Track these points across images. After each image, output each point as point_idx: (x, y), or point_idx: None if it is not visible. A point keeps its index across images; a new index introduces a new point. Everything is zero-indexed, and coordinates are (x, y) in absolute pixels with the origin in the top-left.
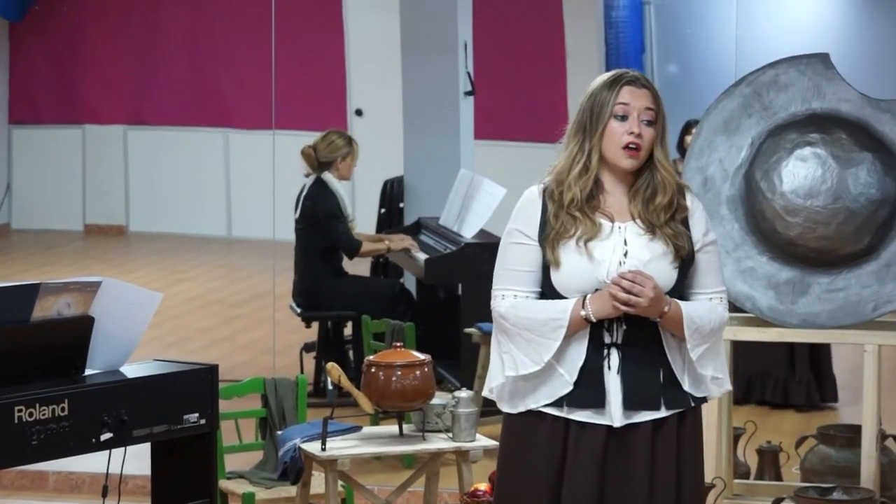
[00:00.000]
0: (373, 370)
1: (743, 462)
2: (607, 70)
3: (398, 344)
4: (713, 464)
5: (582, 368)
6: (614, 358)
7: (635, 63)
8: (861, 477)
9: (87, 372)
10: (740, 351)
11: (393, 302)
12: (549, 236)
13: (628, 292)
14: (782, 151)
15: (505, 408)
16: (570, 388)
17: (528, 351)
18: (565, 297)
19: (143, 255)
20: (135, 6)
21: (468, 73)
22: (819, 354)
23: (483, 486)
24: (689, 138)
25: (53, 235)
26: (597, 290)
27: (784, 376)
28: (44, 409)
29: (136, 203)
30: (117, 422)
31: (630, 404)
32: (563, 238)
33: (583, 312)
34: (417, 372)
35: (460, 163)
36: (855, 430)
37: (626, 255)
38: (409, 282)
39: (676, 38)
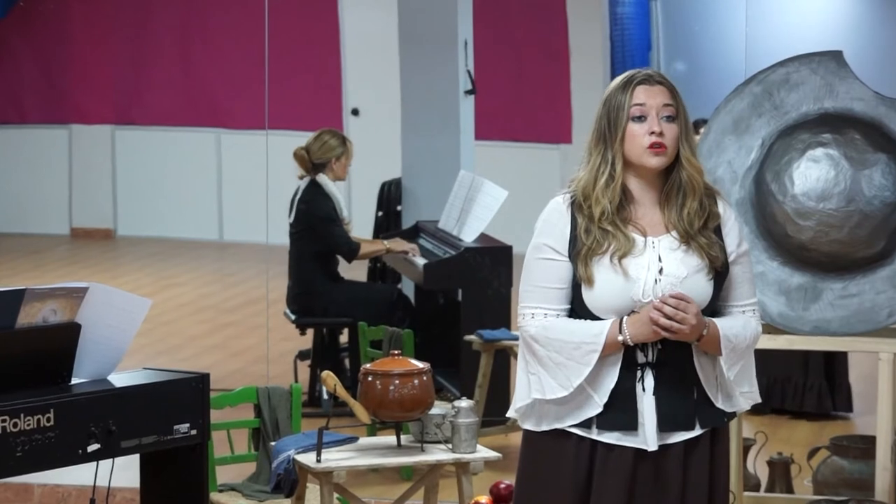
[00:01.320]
0: (370, 379)
1: (753, 474)
2: (612, 68)
3: (396, 352)
4: None
5: (614, 390)
6: (649, 379)
7: (641, 61)
8: (875, 489)
9: (74, 381)
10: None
11: (390, 308)
12: (580, 252)
13: (670, 317)
14: (794, 152)
15: (528, 426)
16: (600, 409)
17: (557, 374)
18: (597, 316)
19: (132, 259)
20: (124, 1)
21: (468, 71)
22: (834, 361)
23: (484, 500)
24: (697, 139)
25: (39, 239)
26: (633, 311)
27: (801, 382)
28: (28, 420)
29: (125, 206)
30: (105, 432)
31: (666, 426)
32: (595, 254)
33: (620, 337)
34: (416, 381)
35: (460, 164)
36: (869, 441)
37: (661, 271)
38: (408, 287)
39: (684, 34)
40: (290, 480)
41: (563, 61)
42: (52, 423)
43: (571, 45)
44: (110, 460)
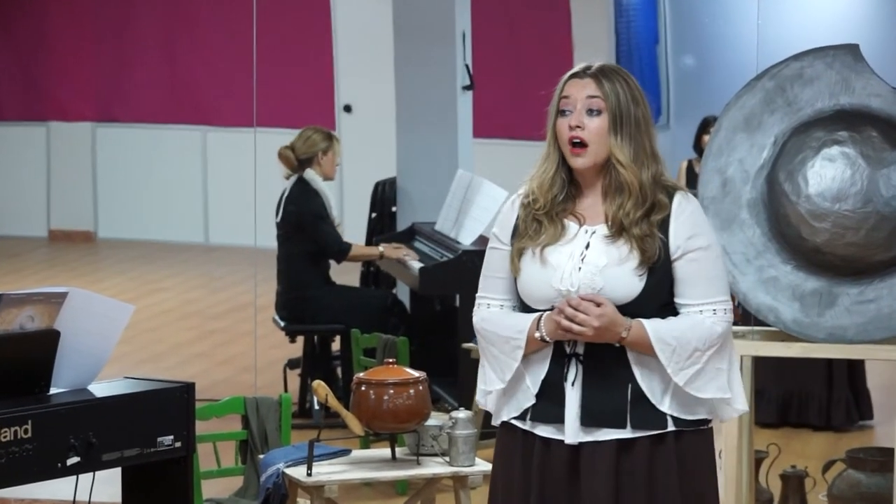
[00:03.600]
0: (363, 389)
1: (765, 488)
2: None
3: (390, 360)
4: (733, 490)
5: (545, 381)
6: (573, 372)
7: (648, 55)
8: None
9: (53, 391)
10: (775, 369)
11: (385, 314)
12: (514, 243)
13: (571, 318)
14: (808, 151)
15: (493, 419)
16: (534, 400)
17: (495, 367)
18: (530, 307)
19: (114, 263)
20: None
21: (466, 66)
22: (856, 370)
23: None
24: (707, 137)
25: (15, 242)
26: (554, 306)
27: (826, 396)
28: (5, 431)
29: (106, 207)
30: (85, 445)
31: (588, 420)
32: (527, 245)
33: (537, 334)
34: (411, 390)
35: (458, 163)
36: (887, 454)
37: (583, 260)
38: (403, 292)
39: (693, 27)
40: (280, 495)
41: (565, 55)
42: (29, 434)
43: (575, 39)
44: (91, 474)
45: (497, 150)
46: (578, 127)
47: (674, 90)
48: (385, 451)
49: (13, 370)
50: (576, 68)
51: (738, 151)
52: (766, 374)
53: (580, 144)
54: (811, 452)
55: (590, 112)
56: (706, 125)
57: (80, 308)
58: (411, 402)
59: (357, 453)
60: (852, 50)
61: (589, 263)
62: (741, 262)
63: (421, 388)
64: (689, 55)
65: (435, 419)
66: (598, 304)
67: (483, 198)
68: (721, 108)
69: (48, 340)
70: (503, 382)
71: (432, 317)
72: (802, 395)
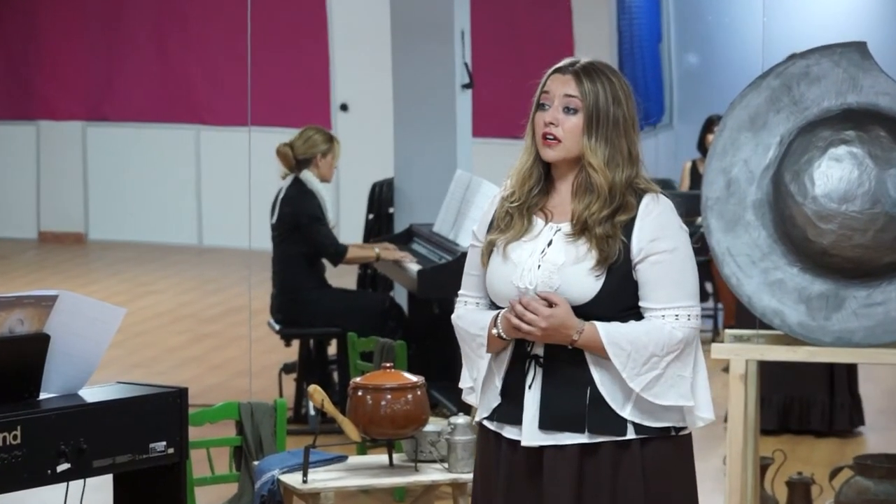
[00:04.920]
0: (360, 393)
1: (771, 496)
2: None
3: (388, 364)
4: (738, 498)
5: (505, 381)
6: (532, 373)
7: (651, 53)
8: None
9: (42, 396)
10: (776, 374)
11: (382, 318)
12: (487, 236)
13: (521, 318)
14: (814, 150)
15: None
16: (500, 400)
17: (469, 365)
18: (495, 302)
19: (105, 265)
20: None
21: (466, 64)
22: (852, 374)
23: None
24: (711, 136)
25: (4, 244)
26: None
27: (828, 401)
28: None
29: (97, 208)
30: (76, 451)
31: (546, 423)
32: (497, 238)
33: (494, 331)
34: (409, 395)
35: (457, 163)
36: (895, 460)
37: (543, 257)
38: (400, 295)
39: (697, 25)
40: (275, 502)
41: (566, 53)
42: (18, 441)
43: (576, 36)
44: (81, 481)
45: (497, 149)
46: (552, 124)
47: (677, 89)
48: (382, 458)
49: (2, 375)
50: (561, 63)
51: (743, 151)
52: (767, 379)
53: (553, 139)
54: (817, 459)
55: (566, 110)
56: (710, 124)
57: (71, 311)
58: (409, 407)
59: (354, 460)
60: (860, 47)
61: (547, 261)
62: (746, 264)
63: (419, 392)
64: (693, 53)
65: (433, 425)
66: (552, 304)
67: (482, 198)
68: (725, 107)
69: (38, 344)
70: (472, 381)
71: (430, 320)
72: (804, 400)
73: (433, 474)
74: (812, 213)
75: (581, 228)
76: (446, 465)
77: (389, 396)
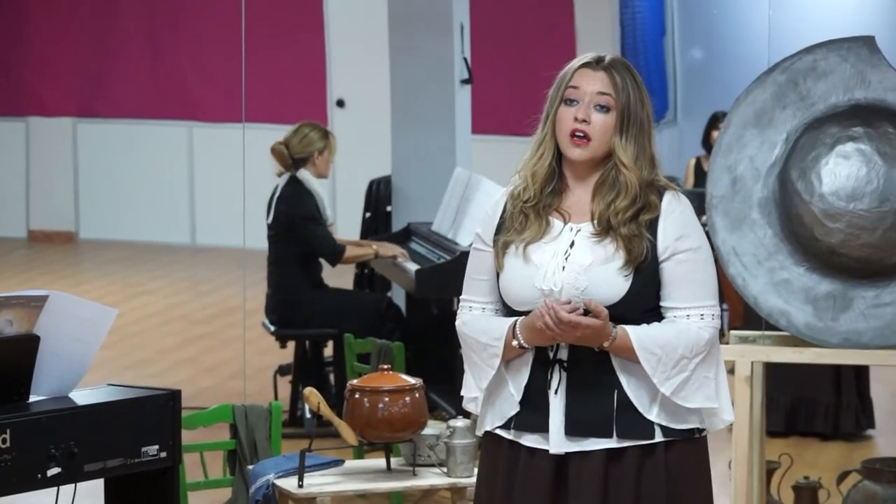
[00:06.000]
0: (356, 396)
1: (778, 501)
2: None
3: (385, 366)
4: (743, 503)
5: (527, 388)
6: (557, 378)
7: (654, 47)
8: None
9: (32, 398)
10: (782, 375)
11: (379, 318)
12: (499, 239)
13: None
14: (822, 148)
15: (477, 429)
16: (517, 409)
17: (475, 374)
18: (511, 307)
19: (96, 265)
20: None
21: (465, 59)
22: (862, 376)
23: None
24: (716, 133)
25: None
26: (531, 309)
27: (834, 402)
28: None
29: (88, 206)
30: (66, 455)
31: (574, 430)
32: (512, 241)
33: (514, 342)
34: (407, 398)
35: (456, 160)
36: None
37: (567, 258)
38: (398, 296)
39: (701, 18)
40: None
41: (568, 47)
42: (7, 444)
43: (578, 30)
44: (72, 485)
45: (497, 146)
46: (584, 121)
47: (681, 84)
48: (380, 462)
49: None
50: (587, 57)
51: (749, 148)
52: (773, 381)
53: (582, 137)
54: (824, 463)
55: (598, 108)
56: (715, 121)
57: (61, 312)
58: (407, 410)
59: (350, 464)
60: (868, 42)
61: (573, 263)
62: (752, 263)
63: (417, 395)
64: (698, 48)
65: (432, 428)
66: (587, 312)
67: (482, 197)
68: (731, 103)
69: (27, 346)
70: (480, 391)
71: (429, 321)
72: (810, 402)
73: (431, 479)
74: (819, 211)
75: (605, 228)
76: (445, 469)
77: (387, 399)
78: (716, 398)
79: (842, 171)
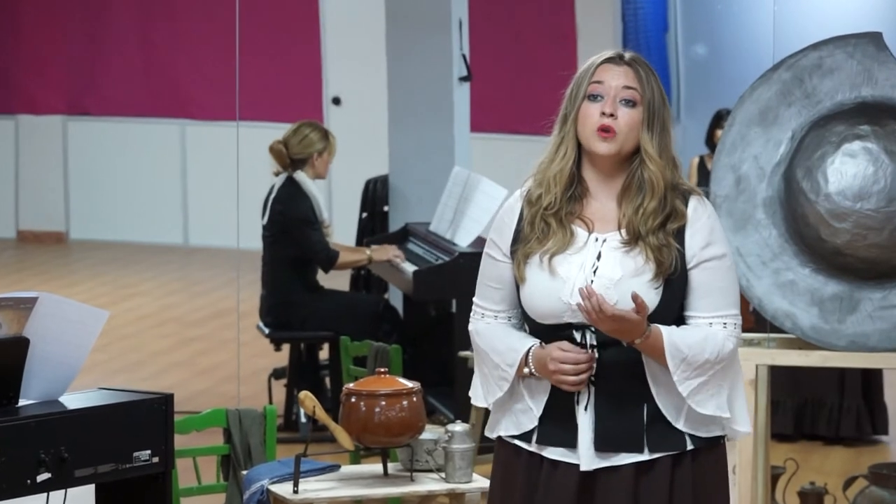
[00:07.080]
0: (353, 400)
1: None
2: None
3: (382, 370)
4: None
5: (550, 403)
6: (584, 394)
7: (657, 44)
8: None
9: (21, 402)
10: (787, 378)
11: (376, 321)
12: (518, 249)
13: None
14: (827, 146)
15: (486, 430)
16: (536, 423)
17: (484, 384)
18: (533, 319)
19: (87, 266)
20: None
21: (463, 56)
22: (871, 379)
23: None
24: (720, 131)
25: None
26: (562, 323)
27: (838, 405)
28: None
29: (78, 206)
30: (56, 460)
31: (604, 445)
32: (533, 251)
33: (526, 370)
34: (405, 402)
35: (454, 159)
36: None
37: (595, 272)
38: (395, 297)
39: (705, 14)
40: None
41: (569, 44)
42: None
43: (579, 26)
44: (62, 491)
45: (496, 145)
46: (612, 115)
47: (684, 82)
48: (376, 467)
49: None
50: (608, 53)
51: (753, 147)
52: (781, 383)
53: (608, 131)
54: (831, 468)
55: (624, 102)
56: (719, 119)
57: (51, 314)
58: (404, 414)
59: (347, 469)
60: (875, 39)
61: (602, 276)
62: (756, 264)
63: (415, 399)
64: (701, 44)
65: (430, 432)
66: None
67: (481, 196)
68: (735, 101)
69: (17, 349)
70: (487, 404)
71: (427, 323)
72: (814, 403)
73: (429, 484)
74: (825, 211)
75: (633, 238)
76: (443, 474)
77: (384, 403)
78: (727, 408)
79: (848, 170)
